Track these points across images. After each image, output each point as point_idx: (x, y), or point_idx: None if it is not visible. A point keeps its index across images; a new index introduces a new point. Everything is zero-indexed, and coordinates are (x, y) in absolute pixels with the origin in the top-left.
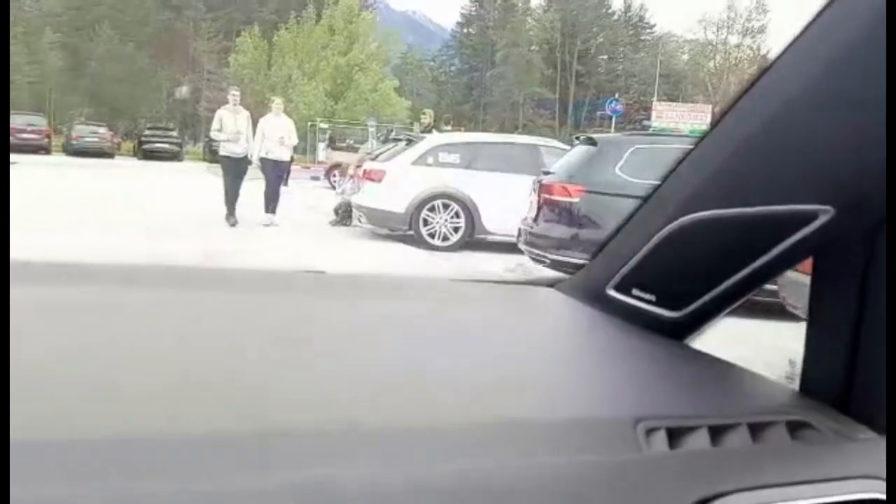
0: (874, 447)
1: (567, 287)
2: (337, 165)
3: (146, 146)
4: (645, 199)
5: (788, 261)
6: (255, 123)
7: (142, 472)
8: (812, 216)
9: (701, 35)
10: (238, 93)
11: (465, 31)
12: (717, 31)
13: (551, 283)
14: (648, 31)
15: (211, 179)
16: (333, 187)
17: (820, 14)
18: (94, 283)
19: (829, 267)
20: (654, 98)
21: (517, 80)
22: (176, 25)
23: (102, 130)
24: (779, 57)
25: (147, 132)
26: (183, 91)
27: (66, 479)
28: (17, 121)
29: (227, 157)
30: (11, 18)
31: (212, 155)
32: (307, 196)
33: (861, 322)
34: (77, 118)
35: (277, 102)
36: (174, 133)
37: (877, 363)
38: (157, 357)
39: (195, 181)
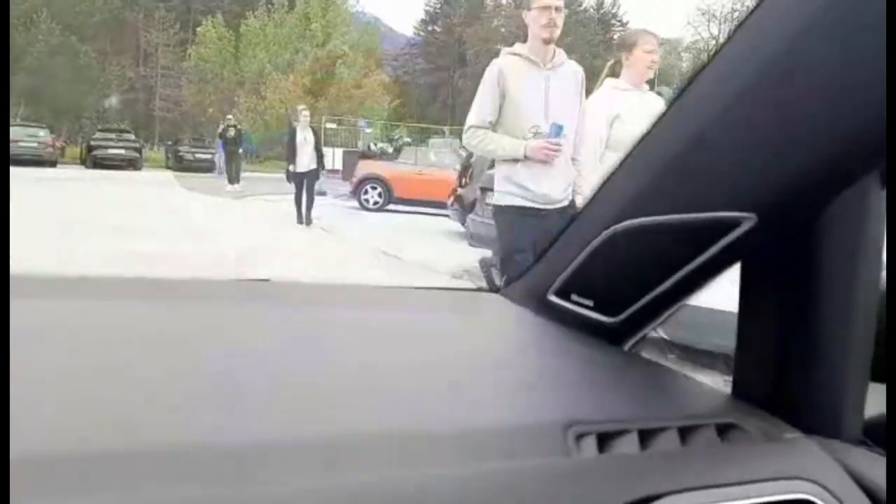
0: (803, 448)
1: (511, 292)
2: (373, 178)
3: (97, 152)
4: (584, 206)
5: (716, 267)
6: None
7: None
8: (735, 223)
9: (674, 34)
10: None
11: (429, 28)
12: (692, 29)
13: (496, 289)
14: (620, 28)
15: (194, 196)
16: (364, 206)
17: (740, 26)
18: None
19: (756, 272)
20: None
21: None
22: (125, 15)
23: (42, 133)
24: (701, 69)
25: (98, 135)
26: (112, 101)
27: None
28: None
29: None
30: None
31: (177, 162)
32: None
33: (788, 325)
34: (11, 119)
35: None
36: (131, 136)
37: (804, 364)
38: (127, 369)
39: (178, 198)
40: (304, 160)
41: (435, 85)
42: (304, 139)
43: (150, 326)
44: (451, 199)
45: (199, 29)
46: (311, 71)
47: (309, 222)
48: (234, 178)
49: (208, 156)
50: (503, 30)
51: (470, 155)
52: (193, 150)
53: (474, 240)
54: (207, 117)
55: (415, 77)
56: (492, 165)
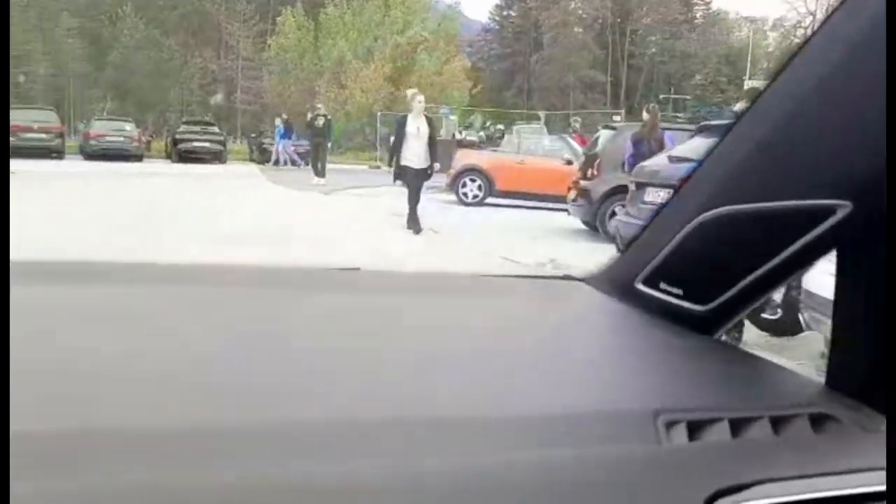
0: None
1: (596, 281)
2: (472, 169)
3: (182, 146)
4: (673, 194)
5: (810, 255)
6: (302, 117)
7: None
8: (830, 210)
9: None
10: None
11: (504, 13)
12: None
13: (582, 278)
14: (703, 6)
15: (281, 191)
16: (462, 200)
17: (836, 10)
18: (142, 283)
19: (852, 261)
20: (747, 77)
21: (568, 62)
22: (207, 8)
23: (129, 127)
24: (796, 53)
25: (183, 128)
26: (218, 98)
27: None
28: (19, 117)
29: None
30: (25, 2)
31: (261, 154)
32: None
33: (885, 314)
34: (98, 113)
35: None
36: (216, 129)
37: None
38: (202, 352)
39: (266, 193)
40: (417, 155)
41: (510, 70)
42: (418, 130)
43: (247, 312)
44: (573, 192)
45: (279, 19)
46: (392, 58)
47: (418, 229)
48: (321, 172)
49: (292, 148)
50: (580, 12)
51: (594, 143)
52: (297, 143)
53: (622, 243)
54: (288, 108)
55: (489, 63)
56: (637, 158)
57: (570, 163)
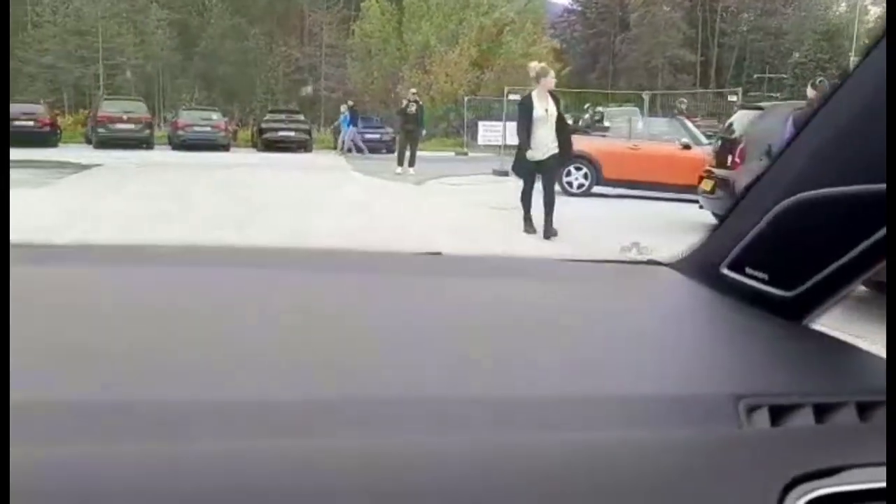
0: None
1: (682, 265)
2: (578, 156)
3: (268, 135)
4: (758, 178)
5: None
6: (384, 105)
7: (289, 430)
8: None
9: None
10: (553, 75)
11: None
12: None
13: (667, 262)
14: None
15: (370, 182)
16: (566, 190)
17: None
18: (235, 265)
19: None
20: (852, 54)
21: (655, 42)
22: None
23: (215, 117)
24: (882, 36)
25: (268, 117)
26: (308, 90)
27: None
28: (109, 108)
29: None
30: None
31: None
32: None
33: None
34: (185, 103)
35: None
36: (301, 117)
37: None
38: (289, 330)
39: (355, 184)
40: (545, 142)
41: (594, 52)
42: (546, 112)
43: (332, 294)
44: (709, 183)
45: (362, 4)
46: (477, 41)
47: (551, 234)
48: (412, 161)
49: (376, 136)
50: None
51: (730, 127)
52: (363, 130)
53: None
54: (371, 95)
55: (572, 45)
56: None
57: (687, 147)
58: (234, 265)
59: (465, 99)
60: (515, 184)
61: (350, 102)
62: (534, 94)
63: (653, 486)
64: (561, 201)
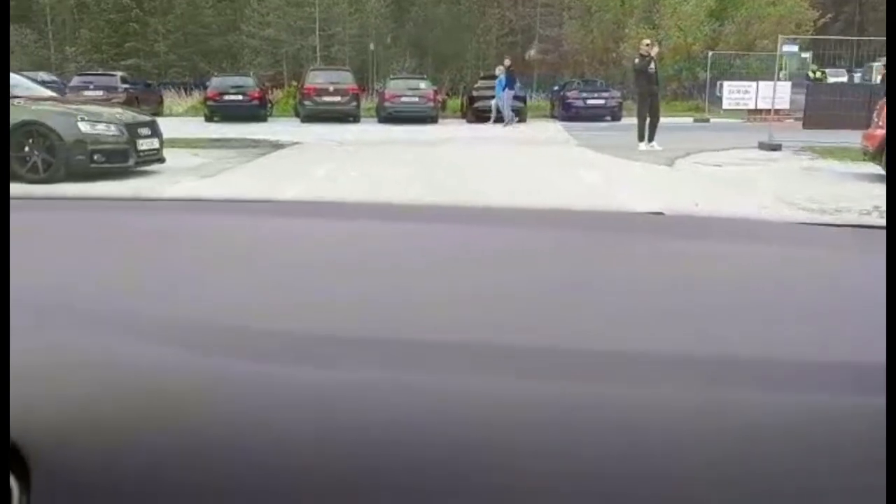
0: None
1: None
2: None
3: (479, 104)
4: None
5: None
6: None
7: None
8: None
9: None
10: None
11: None
12: None
13: None
14: None
15: (606, 160)
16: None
17: None
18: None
19: None
20: None
21: None
22: None
23: (424, 86)
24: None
25: (479, 84)
26: (531, 53)
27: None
28: (317, 79)
29: None
30: None
31: (565, 111)
32: None
33: None
34: (396, 72)
35: None
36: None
37: None
38: (515, 282)
39: (591, 169)
40: None
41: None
42: None
43: (548, 252)
44: None
45: None
46: None
47: None
48: (651, 133)
49: (600, 101)
50: None
51: None
52: (583, 95)
53: None
54: (590, 55)
55: None
56: None
57: None
58: (458, 222)
59: (709, 54)
60: (808, 163)
61: (507, 62)
62: None
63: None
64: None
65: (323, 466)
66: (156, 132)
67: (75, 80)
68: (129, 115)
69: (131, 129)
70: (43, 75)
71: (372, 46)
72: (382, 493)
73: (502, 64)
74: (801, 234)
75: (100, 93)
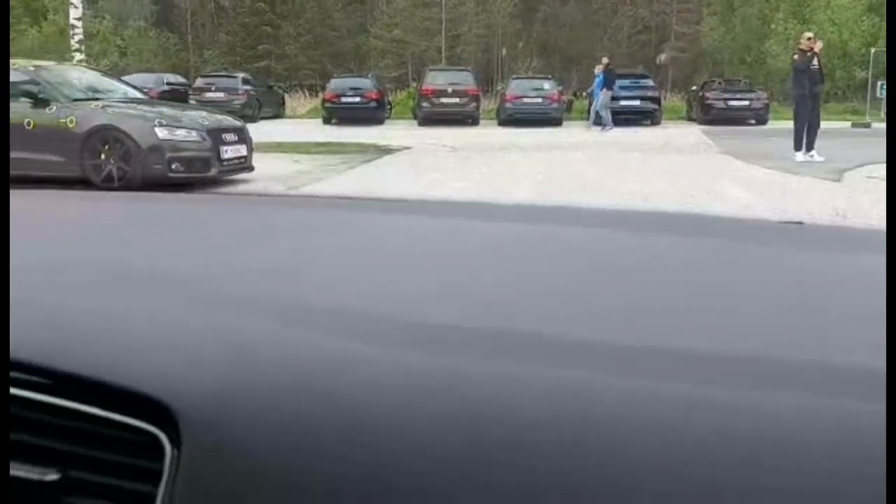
0: None
1: None
2: None
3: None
4: None
5: None
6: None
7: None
8: None
9: None
10: None
11: None
12: None
13: None
14: None
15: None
16: None
17: None
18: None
19: None
20: None
21: None
22: None
23: (548, 86)
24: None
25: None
26: (662, 58)
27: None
28: (436, 80)
29: None
30: None
31: (704, 113)
32: None
33: None
34: (522, 72)
35: None
36: (649, 82)
37: None
38: (650, 284)
39: (744, 187)
40: None
41: None
42: None
43: (689, 255)
44: None
45: None
46: None
47: None
48: (810, 140)
49: (744, 102)
50: None
51: None
52: (725, 96)
53: None
54: (730, 55)
55: None
56: None
57: None
58: (600, 226)
59: (871, 51)
60: None
61: (605, 59)
62: None
63: None
64: None
65: (436, 454)
66: (244, 138)
67: (199, 82)
68: (214, 118)
69: (215, 134)
70: (169, 77)
71: (505, 52)
72: (493, 487)
73: (600, 62)
74: None
75: (221, 94)
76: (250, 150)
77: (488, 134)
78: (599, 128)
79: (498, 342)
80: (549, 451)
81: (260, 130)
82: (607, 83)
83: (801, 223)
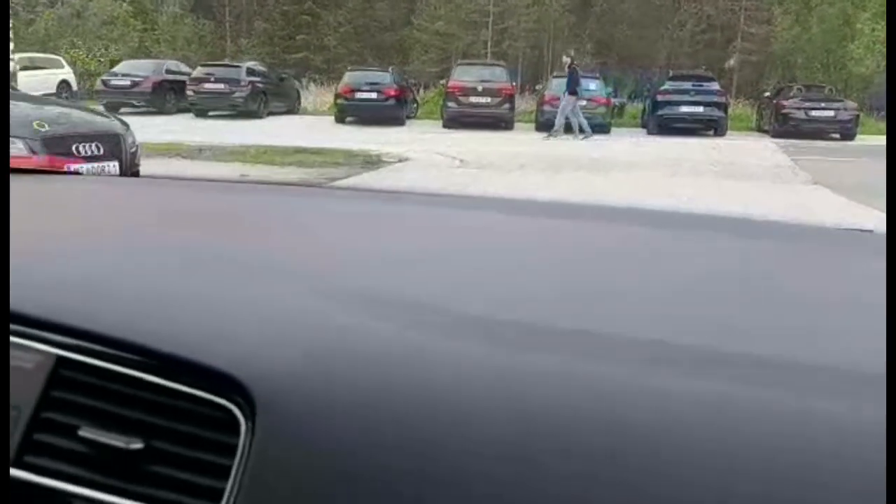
0: None
1: None
2: None
3: (664, 111)
4: None
5: None
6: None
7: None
8: None
9: None
10: None
11: None
12: None
13: None
14: None
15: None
16: None
17: None
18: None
19: None
20: None
21: None
22: None
23: (594, 87)
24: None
25: (667, 86)
26: (731, 63)
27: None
28: (465, 76)
29: None
30: None
31: (781, 124)
32: None
33: None
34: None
35: None
36: (714, 86)
37: None
38: (714, 284)
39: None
40: None
41: None
42: None
43: (753, 258)
44: None
45: None
46: None
47: None
48: None
49: (829, 113)
50: None
51: None
52: (806, 105)
53: None
54: (807, 56)
55: None
56: None
57: None
58: (657, 227)
59: None
60: None
61: (566, 58)
62: None
63: None
64: None
65: (505, 446)
66: (116, 150)
67: (197, 71)
68: (70, 122)
69: (58, 143)
70: (170, 64)
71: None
72: (571, 477)
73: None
74: None
75: (221, 86)
76: (130, 164)
77: (518, 142)
78: (582, 135)
79: (566, 340)
80: (626, 460)
81: (250, 129)
82: (570, 86)
83: (870, 230)
